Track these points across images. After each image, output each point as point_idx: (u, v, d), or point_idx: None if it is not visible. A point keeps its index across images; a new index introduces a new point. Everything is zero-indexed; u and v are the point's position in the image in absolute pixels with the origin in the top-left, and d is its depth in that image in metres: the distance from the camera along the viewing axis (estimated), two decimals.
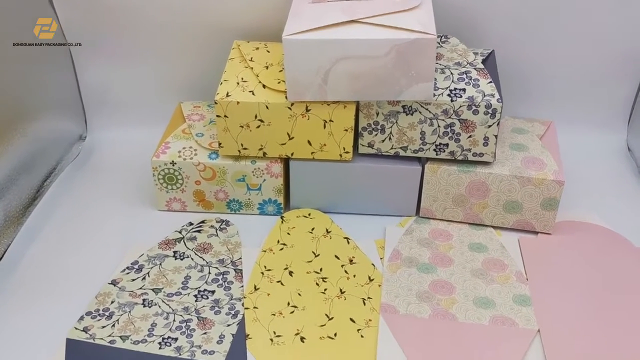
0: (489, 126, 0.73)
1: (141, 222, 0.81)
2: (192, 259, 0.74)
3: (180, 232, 0.78)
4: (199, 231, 0.79)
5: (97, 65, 0.92)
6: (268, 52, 0.82)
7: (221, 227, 0.79)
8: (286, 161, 0.79)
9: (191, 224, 0.80)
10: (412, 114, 0.74)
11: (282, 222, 0.80)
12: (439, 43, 0.82)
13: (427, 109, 0.73)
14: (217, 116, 0.74)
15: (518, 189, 0.76)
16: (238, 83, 0.76)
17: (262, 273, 0.72)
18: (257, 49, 0.82)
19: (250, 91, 0.74)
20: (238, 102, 0.73)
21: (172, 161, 0.78)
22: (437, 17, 0.83)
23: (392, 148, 0.77)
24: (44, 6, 0.85)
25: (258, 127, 0.75)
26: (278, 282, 0.71)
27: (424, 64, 0.68)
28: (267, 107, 0.73)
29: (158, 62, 0.92)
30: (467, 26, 0.87)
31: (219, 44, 0.88)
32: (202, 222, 0.80)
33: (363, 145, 0.77)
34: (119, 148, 0.95)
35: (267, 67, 0.78)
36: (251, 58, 0.80)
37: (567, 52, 0.90)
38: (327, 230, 0.78)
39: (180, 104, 0.90)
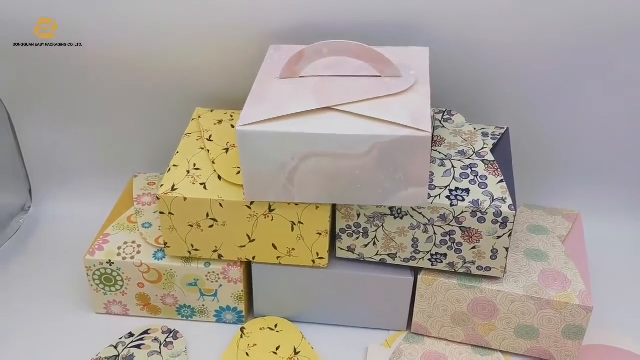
0: (499, 237, 0.58)
1: (72, 329, 0.67)
2: None
3: (115, 348, 0.64)
4: (139, 346, 0.64)
5: (42, 128, 0.79)
6: (232, 127, 0.67)
7: (167, 340, 0.65)
8: (248, 263, 0.65)
9: (132, 334, 0.66)
10: (401, 218, 0.59)
11: (241, 336, 0.65)
12: (439, 121, 0.67)
13: (420, 213, 0.58)
14: (161, 213, 0.60)
15: (534, 313, 0.61)
16: (188, 172, 0.62)
17: None
18: (220, 122, 0.68)
19: (202, 183, 0.60)
20: (185, 199, 0.59)
21: (109, 260, 0.64)
22: (440, 88, 0.69)
23: (377, 254, 0.62)
24: None
25: (211, 226, 0.60)
26: None
27: (415, 166, 0.53)
28: (220, 205, 0.59)
29: (113, 127, 0.79)
30: (475, 99, 0.72)
31: (182, 108, 0.75)
32: (146, 332, 0.66)
33: (342, 249, 0.63)
34: (66, 224, 0.81)
35: (227, 150, 0.64)
36: (210, 136, 0.66)
37: (594, 127, 0.74)
38: (295, 350, 0.64)
39: (133, 178, 0.76)
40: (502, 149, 0.64)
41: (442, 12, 0.66)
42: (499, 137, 0.66)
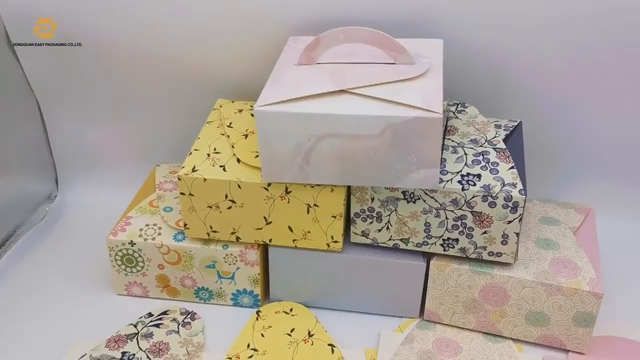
0: (509, 222, 0.59)
1: (95, 309, 0.69)
2: None
3: (135, 326, 0.66)
4: (157, 325, 0.66)
5: (70, 120, 0.83)
6: (252, 115, 0.70)
7: (185, 320, 0.67)
8: (265, 247, 0.67)
9: (151, 314, 0.68)
10: (414, 202, 0.60)
11: (257, 318, 0.67)
12: (453, 113, 0.69)
13: (432, 197, 0.60)
14: (181, 194, 0.63)
15: (544, 299, 0.62)
16: (209, 155, 0.64)
17: None
18: (240, 111, 0.71)
19: (221, 166, 0.62)
20: (205, 179, 0.61)
21: (131, 241, 0.67)
22: (454, 80, 0.71)
23: (390, 239, 0.64)
24: (5, 54, 0.75)
25: (229, 208, 0.63)
26: None
27: (427, 147, 0.55)
28: (239, 187, 0.61)
29: (138, 118, 0.82)
30: (489, 92, 0.74)
31: (204, 100, 0.77)
32: (164, 312, 0.68)
33: (356, 234, 0.64)
34: (90, 212, 0.84)
35: (246, 136, 0.66)
36: (230, 123, 0.68)
37: (610, 121, 0.75)
38: (309, 332, 0.65)
39: (156, 167, 0.79)
40: (514, 140, 0.66)
41: (458, 7, 0.68)
42: (511, 129, 0.67)
